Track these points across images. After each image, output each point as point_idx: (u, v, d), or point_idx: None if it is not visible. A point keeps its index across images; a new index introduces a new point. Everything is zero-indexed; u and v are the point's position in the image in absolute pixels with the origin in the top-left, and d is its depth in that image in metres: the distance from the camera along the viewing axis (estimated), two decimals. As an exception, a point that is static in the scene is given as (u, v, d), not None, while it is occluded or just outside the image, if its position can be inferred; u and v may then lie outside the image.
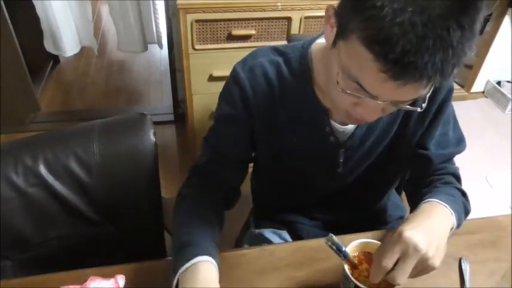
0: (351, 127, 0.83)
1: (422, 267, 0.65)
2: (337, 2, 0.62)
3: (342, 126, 0.82)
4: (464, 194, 0.86)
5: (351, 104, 0.66)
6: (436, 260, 0.65)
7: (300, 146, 0.87)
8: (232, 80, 0.82)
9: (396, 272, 0.63)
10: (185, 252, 0.71)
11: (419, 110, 0.64)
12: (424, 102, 0.64)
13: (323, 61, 0.76)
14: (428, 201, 0.75)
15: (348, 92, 0.61)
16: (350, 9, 0.57)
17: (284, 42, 1.35)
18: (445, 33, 0.51)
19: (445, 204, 0.74)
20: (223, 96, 0.86)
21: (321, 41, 0.80)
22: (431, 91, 0.62)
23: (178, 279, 0.69)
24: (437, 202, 0.74)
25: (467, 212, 0.83)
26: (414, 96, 0.60)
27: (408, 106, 0.63)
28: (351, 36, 0.57)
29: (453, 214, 0.74)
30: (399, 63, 0.52)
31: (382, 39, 0.52)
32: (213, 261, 0.71)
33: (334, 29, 0.63)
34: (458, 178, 0.90)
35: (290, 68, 0.80)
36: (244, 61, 0.82)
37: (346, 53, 0.59)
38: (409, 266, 0.63)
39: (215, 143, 0.88)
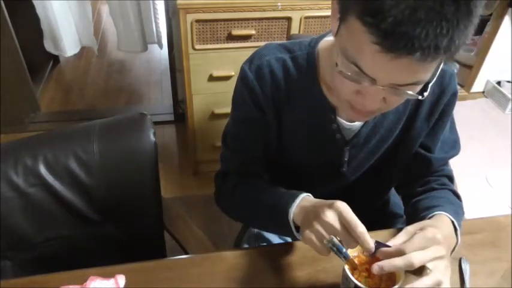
0: (357, 125, 0.83)
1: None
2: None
3: (348, 123, 0.82)
4: (459, 197, 0.89)
5: (352, 93, 0.66)
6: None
7: (305, 144, 0.87)
8: (241, 82, 0.82)
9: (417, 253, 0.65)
10: (284, 200, 0.76)
11: (420, 98, 0.63)
12: (425, 91, 0.63)
13: (330, 59, 0.76)
14: (441, 214, 0.78)
15: (349, 73, 0.61)
16: None
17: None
18: (437, 5, 0.51)
19: (453, 220, 0.77)
20: (235, 100, 0.87)
21: (328, 39, 0.80)
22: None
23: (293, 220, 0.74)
24: (447, 217, 0.77)
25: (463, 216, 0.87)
26: (413, 79, 0.59)
27: (409, 92, 0.62)
28: (349, 16, 0.58)
29: (458, 238, 0.78)
30: (391, 34, 0.52)
31: (375, 10, 0.52)
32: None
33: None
34: (452, 180, 0.93)
35: (297, 65, 0.80)
36: (251, 60, 0.82)
37: (346, 34, 0.60)
38: (428, 255, 0.65)
39: (237, 146, 0.89)
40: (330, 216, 0.66)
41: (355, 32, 0.57)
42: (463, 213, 0.86)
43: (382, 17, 0.52)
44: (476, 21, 0.54)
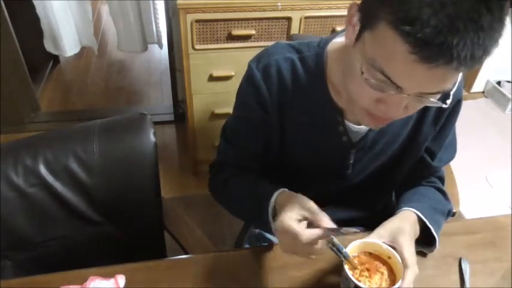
0: (365, 128, 0.82)
1: None
2: (350, 1, 0.62)
3: (356, 126, 0.82)
4: (444, 194, 0.92)
5: (373, 102, 0.64)
6: None
7: (311, 146, 0.87)
8: (248, 80, 0.81)
9: None
10: (265, 193, 0.78)
11: (444, 106, 0.62)
12: (448, 99, 0.62)
13: (339, 61, 0.76)
14: (408, 210, 0.82)
15: (373, 81, 0.60)
16: (376, 0, 0.57)
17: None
18: (475, 15, 0.51)
19: (418, 213, 0.81)
20: (240, 97, 0.86)
21: (338, 40, 0.79)
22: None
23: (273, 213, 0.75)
24: (413, 212, 0.81)
25: (449, 213, 0.90)
26: (441, 88, 0.59)
27: (433, 100, 0.61)
28: (378, 24, 0.56)
29: (432, 231, 0.81)
30: (431, 43, 0.51)
31: (412, 20, 0.51)
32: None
33: (357, 28, 0.62)
34: (442, 180, 0.96)
35: (305, 66, 0.79)
36: (259, 59, 0.81)
37: (373, 41, 0.58)
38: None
39: (236, 141, 0.89)
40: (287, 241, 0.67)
41: (385, 40, 0.55)
42: (444, 208, 0.89)
43: (420, 27, 0.51)
44: (504, 27, 0.54)
